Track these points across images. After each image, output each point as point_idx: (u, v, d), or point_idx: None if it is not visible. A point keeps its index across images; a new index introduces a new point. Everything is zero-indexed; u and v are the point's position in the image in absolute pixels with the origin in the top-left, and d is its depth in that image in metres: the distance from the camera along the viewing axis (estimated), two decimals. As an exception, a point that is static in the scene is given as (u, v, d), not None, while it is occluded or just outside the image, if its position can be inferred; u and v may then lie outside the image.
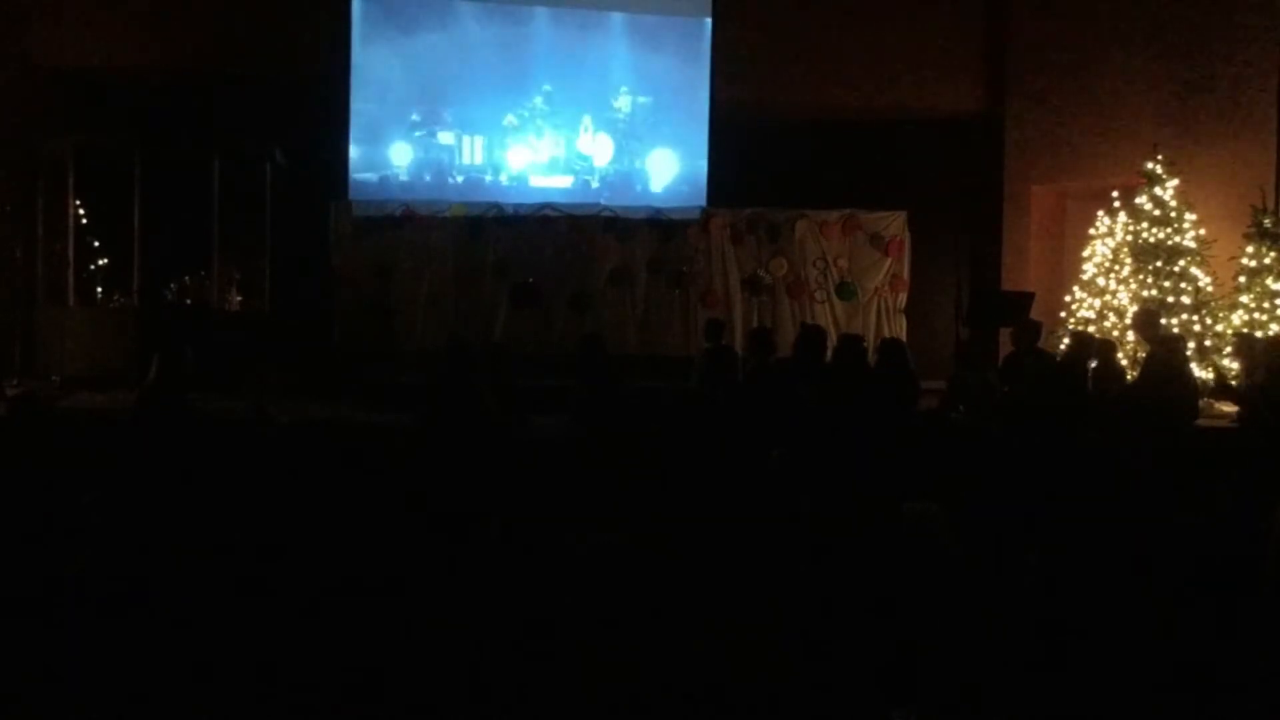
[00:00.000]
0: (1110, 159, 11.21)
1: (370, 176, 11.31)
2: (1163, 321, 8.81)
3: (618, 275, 10.89)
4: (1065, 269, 11.67)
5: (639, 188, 11.67)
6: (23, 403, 6.22)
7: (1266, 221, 9.38)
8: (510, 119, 11.54)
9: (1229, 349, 9.00)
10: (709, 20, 11.72)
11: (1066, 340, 8.82)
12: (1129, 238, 10.04)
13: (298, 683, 3.42)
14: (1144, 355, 8.45)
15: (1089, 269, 10.48)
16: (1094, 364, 8.09)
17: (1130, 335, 9.43)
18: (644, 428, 6.63)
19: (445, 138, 11.49)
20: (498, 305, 10.67)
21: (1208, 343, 9.39)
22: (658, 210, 11.23)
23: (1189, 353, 8.46)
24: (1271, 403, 6.74)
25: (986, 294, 11.37)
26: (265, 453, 5.86)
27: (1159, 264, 9.72)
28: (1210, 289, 9.68)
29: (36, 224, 10.77)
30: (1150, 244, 9.83)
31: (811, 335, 7.75)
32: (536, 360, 9.34)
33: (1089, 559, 4.49)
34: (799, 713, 3.36)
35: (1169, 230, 9.81)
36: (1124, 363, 8.86)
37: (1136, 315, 8.94)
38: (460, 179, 11.49)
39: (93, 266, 11.11)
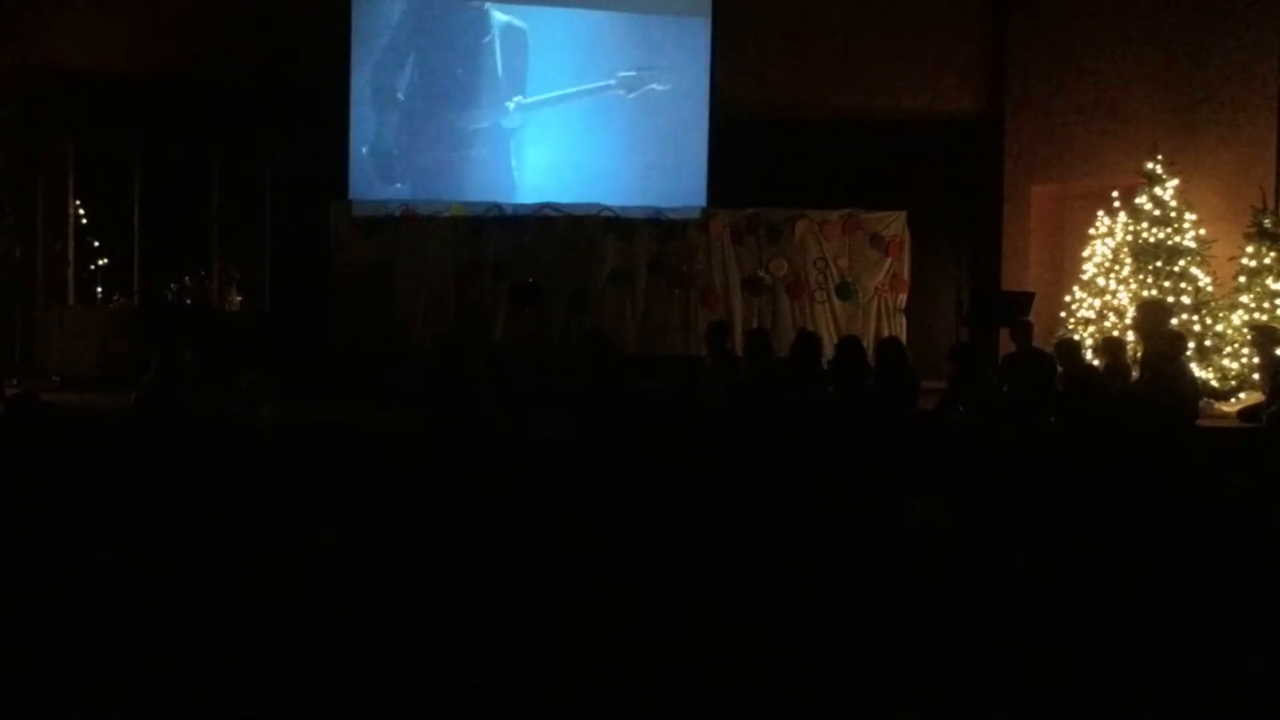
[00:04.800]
0: (1110, 159, 11.21)
1: (370, 176, 11.29)
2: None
3: (618, 275, 10.87)
4: (1065, 269, 11.67)
5: (639, 188, 11.65)
6: (21, 402, 6.20)
7: (1266, 221, 9.38)
8: (509, 118, 11.54)
9: (1249, 336, 8.92)
10: (709, 20, 11.71)
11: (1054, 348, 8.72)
12: (1129, 238, 10.04)
13: (297, 680, 3.42)
14: (1140, 354, 8.43)
15: (1089, 269, 10.48)
16: (1104, 362, 8.10)
17: (1130, 335, 9.41)
18: (647, 427, 6.63)
19: (445, 137, 11.48)
20: (498, 305, 10.65)
21: (1208, 343, 9.38)
22: (658, 210, 11.21)
23: (1189, 352, 8.44)
24: None
25: (986, 294, 11.37)
26: (264, 452, 5.86)
27: (1159, 264, 9.72)
28: (1210, 289, 9.68)
29: (36, 224, 10.77)
30: (1150, 244, 9.82)
31: (806, 341, 7.91)
32: (536, 360, 9.33)
33: (1088, 558, 4.49)
34: (799, 713, 3.35)
35: (1169, 230, 9.81)
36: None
37: (1147, 305, 8.86)
38: (460, 179, 11.48)
39: (93, 266, 11.12)
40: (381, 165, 11.35)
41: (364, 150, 11.27)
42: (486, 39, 11.51)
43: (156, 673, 3.44)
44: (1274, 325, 8.70)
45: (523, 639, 3.74)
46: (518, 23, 11.54)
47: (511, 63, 11.53)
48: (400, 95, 11.36)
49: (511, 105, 11.52)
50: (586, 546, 4.58)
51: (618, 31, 11.74)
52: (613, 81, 11.66)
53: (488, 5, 11.52)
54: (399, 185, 11.30)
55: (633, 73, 11.68)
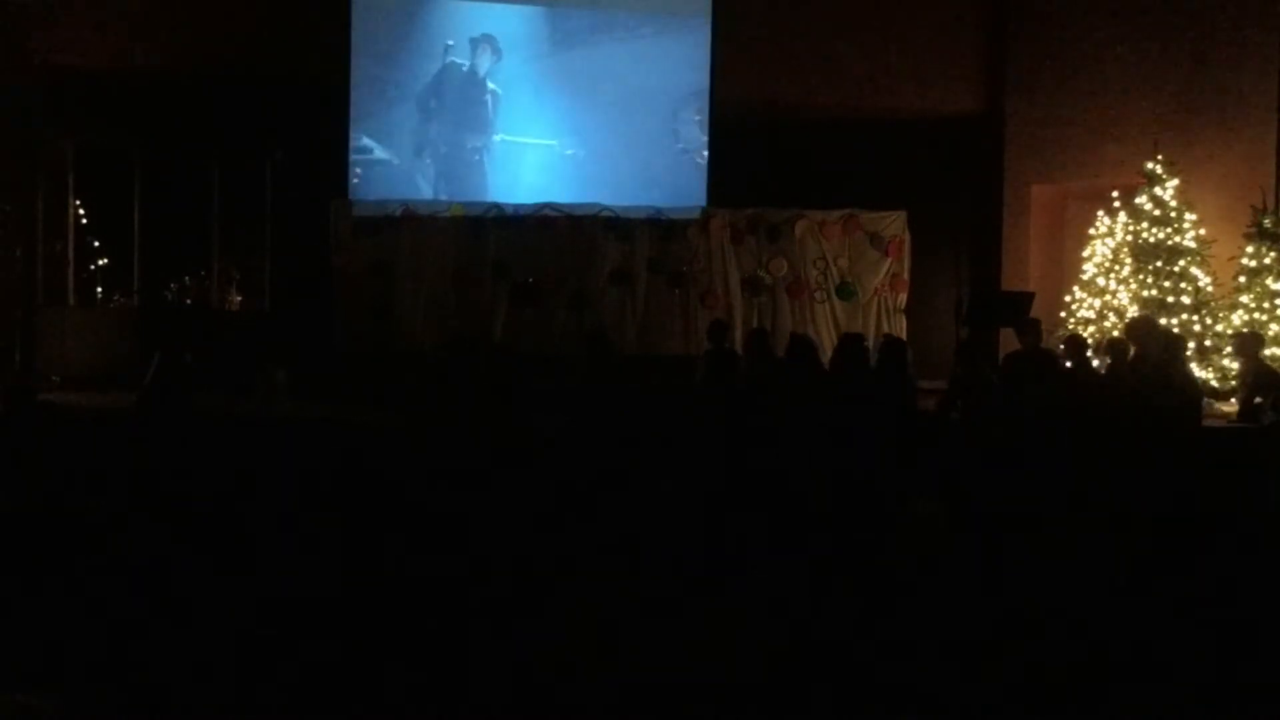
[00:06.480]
0: (1110, 159, 11.21)
1: (370, 176, 11.29)
2: (1161, 322, 8.79)
3: (618, 275, 10.87)
4: (1065, 269, 11.67)
5: (639, 188, 11.64)
6: (17, 392, 6.18)
7: (1266, 221, 9.39)
8: (509, 118, 11.53)
9: (1228, 348, 8.97)
10: (709, 20, 11.70)
11: (1063, 346, 8.74)
12: (1129, 238, 10.05)
13: (298, 677, 3.42)
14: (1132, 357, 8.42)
15: (1089, 269, 10.49)
16: (1105, 362, 8.09)
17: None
18: (646, 427, 6.63)
19: (445, 137, 11.47)
20: (498, 305, 10.66)
21: (1208, 343, 9.39)
22: (658, 210, 11.20)
23: (1188, 353, 8.44)
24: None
25: (986, 294, 11.37)
26: (265, 451, 5.86)
27: (1159, 264, 9.73)
28: (1210, 289, 9.69)
29: (36, 224, 10.78)
30: (1150, 244, 9.83)
31: (802, 345, 7.88)
32: (536, 360, 9.33)
33: (1089, 557, 4.50)
34: (799, 712, 3.35)
35: (1169, 230, 9.82)
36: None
37: (1134, 322, 8.88)
38: (460, 179, 11.47)
39: (93, 266, 11.13)
40: (381, 164, 11.34)
41: (364, 150, 11.25)
42: (486, 38, 11.49)
43: (154, 672, 3.44)
44: (1257, 332, 8.69)
45: (523, 638, 3.74)
46: (517, 22, 11.52)
47: (511, 62, 11.51)
48: (399, 94, 11.35)
49: (511, 104, 11.50)
50: (586, 546, 4.59)
51: (618, 31, 11.72)
52: (613, 80, 11.61)
53: (487, 5, 11.50)
54: (399, 185, 11.28)
55: (633, 72, 11.63)
